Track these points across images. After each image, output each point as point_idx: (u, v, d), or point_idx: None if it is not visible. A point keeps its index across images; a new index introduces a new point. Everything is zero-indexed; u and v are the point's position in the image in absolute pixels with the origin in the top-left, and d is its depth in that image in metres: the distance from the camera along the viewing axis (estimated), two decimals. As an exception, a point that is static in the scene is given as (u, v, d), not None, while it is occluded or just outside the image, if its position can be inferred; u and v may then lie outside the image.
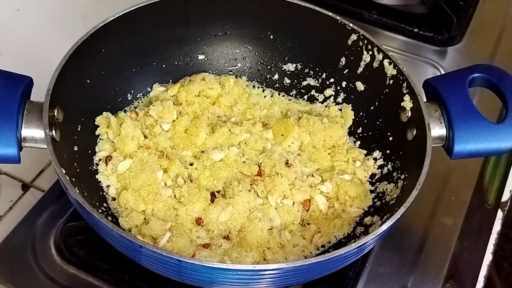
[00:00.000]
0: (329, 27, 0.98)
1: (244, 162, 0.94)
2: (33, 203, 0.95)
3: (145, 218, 0.86)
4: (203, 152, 0.95)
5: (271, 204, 0.90)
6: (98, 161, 0.93)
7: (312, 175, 0.95)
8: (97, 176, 0.91)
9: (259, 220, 0.87)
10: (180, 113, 0.99)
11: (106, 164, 0.92)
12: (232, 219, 0.87)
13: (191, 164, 0.94)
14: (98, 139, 0.95)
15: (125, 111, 0.99)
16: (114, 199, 0.90)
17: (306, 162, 0.97)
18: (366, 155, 0.98)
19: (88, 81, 0.93)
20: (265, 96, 1.07)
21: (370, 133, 1.00)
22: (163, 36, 1.01)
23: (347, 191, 0.92)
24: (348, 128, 1.02)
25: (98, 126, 0.95)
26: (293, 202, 0.91)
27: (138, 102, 1.02)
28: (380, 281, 0.91)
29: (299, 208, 0.91)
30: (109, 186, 0.91)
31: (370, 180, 0.95)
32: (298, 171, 0.94)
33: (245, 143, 0.96)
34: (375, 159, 0.97)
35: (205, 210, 0.88)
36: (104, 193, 0.90)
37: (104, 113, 0.95)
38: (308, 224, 0.90)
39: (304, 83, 1.06)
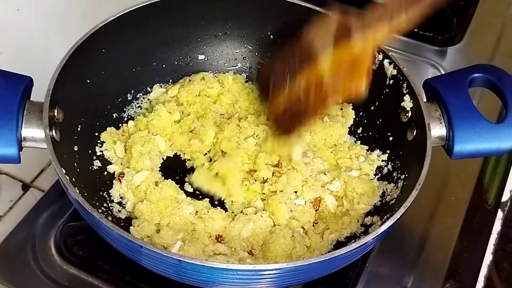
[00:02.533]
0: (329, 27, 0.98)
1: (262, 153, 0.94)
2: (33, 203, 0.95)
3: (158, 230, 0.85)
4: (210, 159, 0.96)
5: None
6: (107, 174, 0.92)
7: (325, 173, 0.95)
8: (110, 191, 0.91)
9: (281, 229, 0.86)
10: (182, 112, 1.00)
11: (120, 182, 0.91)
12: (254, 235, 0.86)
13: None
14: (101, 144, 0.95)
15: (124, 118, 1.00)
16: (114, 199, 0.90)
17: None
18: (366, 154, 0.98)
19: (88, 81, 0.93)
20: (265, 96, 1.07)
21: (370, 133, 1.00)
22: (163, 36, 1.01)
23: (354, 187, 0.91)
24: (349, 128, 1.02)
25: (98, 126, 0.95)
26: (305, 201, 0.91)
27: (138, 102, 1.02)
28: (380, 281, 0.91)
29: (310, 206, 0.91)
30: (121, 202, 0.91)
31: (378, 175, 0.95)
32: (314, 169, 0.94)
33: (257, 135, 0.96)
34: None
35: (226, 228, 0.87)
36: (104, 193, 0.90)
37: (108, 128, 0.96)
38: (316, 223, 0.90)
39: (304, 83, 1.06)
